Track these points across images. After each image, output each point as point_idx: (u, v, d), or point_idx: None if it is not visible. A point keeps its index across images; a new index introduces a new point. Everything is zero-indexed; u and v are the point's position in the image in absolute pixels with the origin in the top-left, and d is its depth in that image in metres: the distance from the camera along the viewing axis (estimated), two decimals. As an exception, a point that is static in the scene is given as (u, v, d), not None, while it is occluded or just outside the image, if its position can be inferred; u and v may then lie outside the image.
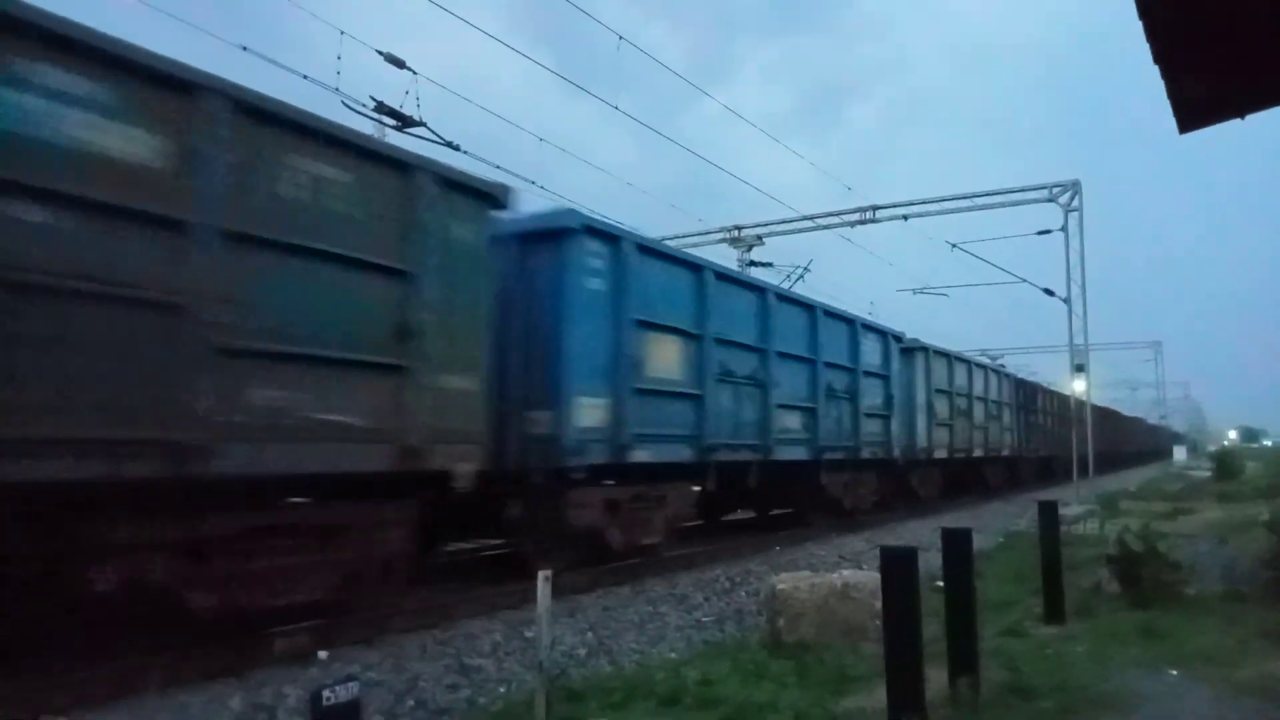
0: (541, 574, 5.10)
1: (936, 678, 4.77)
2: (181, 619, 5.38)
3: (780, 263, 24.29)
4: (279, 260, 5.57)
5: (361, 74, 12.50)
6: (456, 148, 12.18)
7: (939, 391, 18.26)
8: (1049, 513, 7.76)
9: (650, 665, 6.22)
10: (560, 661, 5.89)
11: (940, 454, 18.22)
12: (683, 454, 9.73)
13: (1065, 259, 21.29)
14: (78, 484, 4.63)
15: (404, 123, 12.02)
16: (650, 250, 9.49)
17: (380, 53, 11.78)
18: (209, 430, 5.09)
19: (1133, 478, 35.40)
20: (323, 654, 5.82)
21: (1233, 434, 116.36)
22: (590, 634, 6.98)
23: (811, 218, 23.80)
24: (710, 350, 10.16)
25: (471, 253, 7.00)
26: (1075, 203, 21.23)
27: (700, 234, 24.91)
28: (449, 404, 6.68)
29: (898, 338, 16.24)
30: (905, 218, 22.46)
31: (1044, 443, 28.73)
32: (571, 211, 8.71)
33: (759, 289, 11.81)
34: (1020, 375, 29.25)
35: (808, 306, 13.09)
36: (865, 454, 14.40)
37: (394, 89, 12.97)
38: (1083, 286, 21.49)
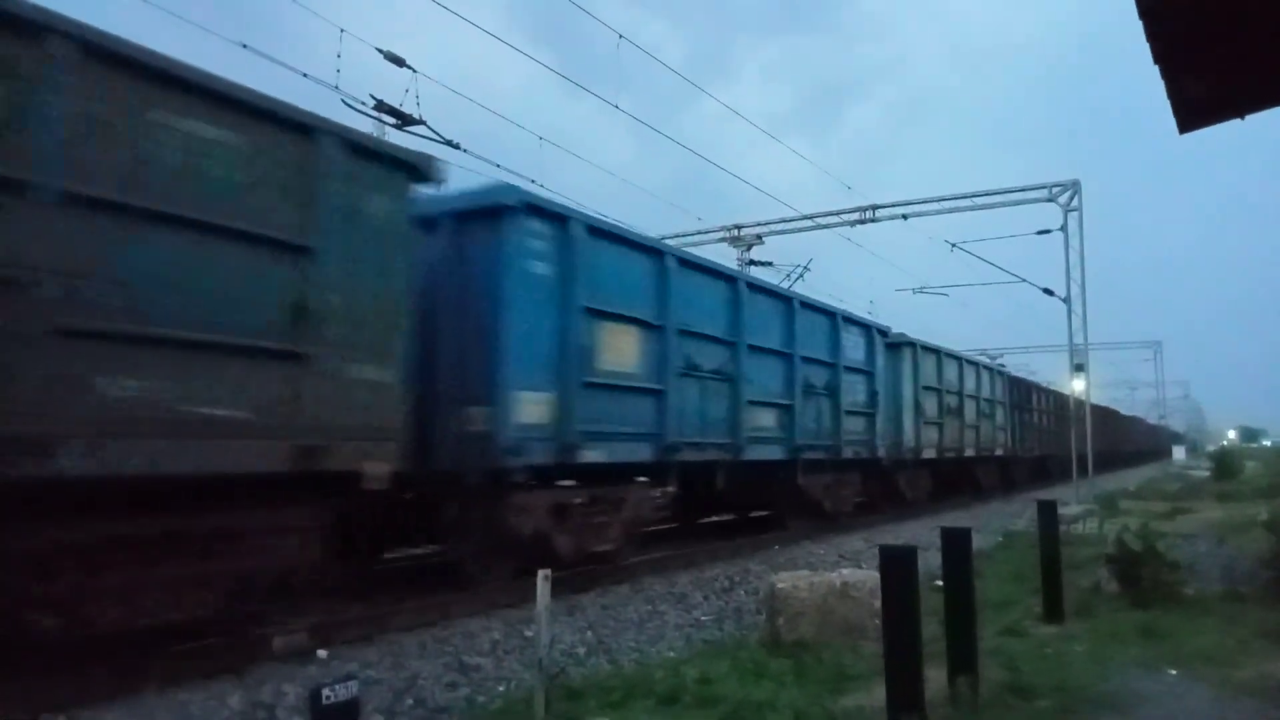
0: (541, 573, 5.11)
1: (936, 677, 4.77)
2: (31, 642, 4.76)
3: (780, 262, 24.33)
4: (139, 229, 4.84)
5: (361, 72, 12.49)
6: (457, 146, 12.20)
7: (928, 389, 17.74)
8: (1048, 512, 7.76)
9: (649, 664, 6.22)
10: (559, 660, 5.89)
11: (929, 454, 17.68)
12: (641, 453, 9.05)
13: (1065, 259, 21.31)
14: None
15: (404, 121, 12.03)
16: (603, 232, 8.75)
17: (380, 51, 11.78)
18: (44, 424, 4.43)
19: (1132, 477, 35.41)
20: (322, 652, 5.82)
21: (1232, 434, 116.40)
22: (589, 632, 6.98)
23: (811, 217, 23.82)
24: (673, 342, 9.48)
25: (388, 229, 6.30)
26: (1075, 202, 21.25)
27: (700, 233, 24.95)
28: (357, 397, 6.00)
29: (883, 332, 15.67)
30: (905, 217, 22.48)
31: (1039, 442, 28.28)
32: (509, 187, 8.00)
33: (729, 278, 11.10)
34: (1019, 374, 29.24)
35: (784, 298, 12.53)
36: (847, 454, 13.79)
37: (394, 87, 12.95)
38: (1082, 286, 21.52)
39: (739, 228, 25.23)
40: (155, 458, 4.87)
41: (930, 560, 6.10)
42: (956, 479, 20.67)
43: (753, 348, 11.10)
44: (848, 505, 14.51)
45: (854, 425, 14.08)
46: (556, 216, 8.07)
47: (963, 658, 5.00)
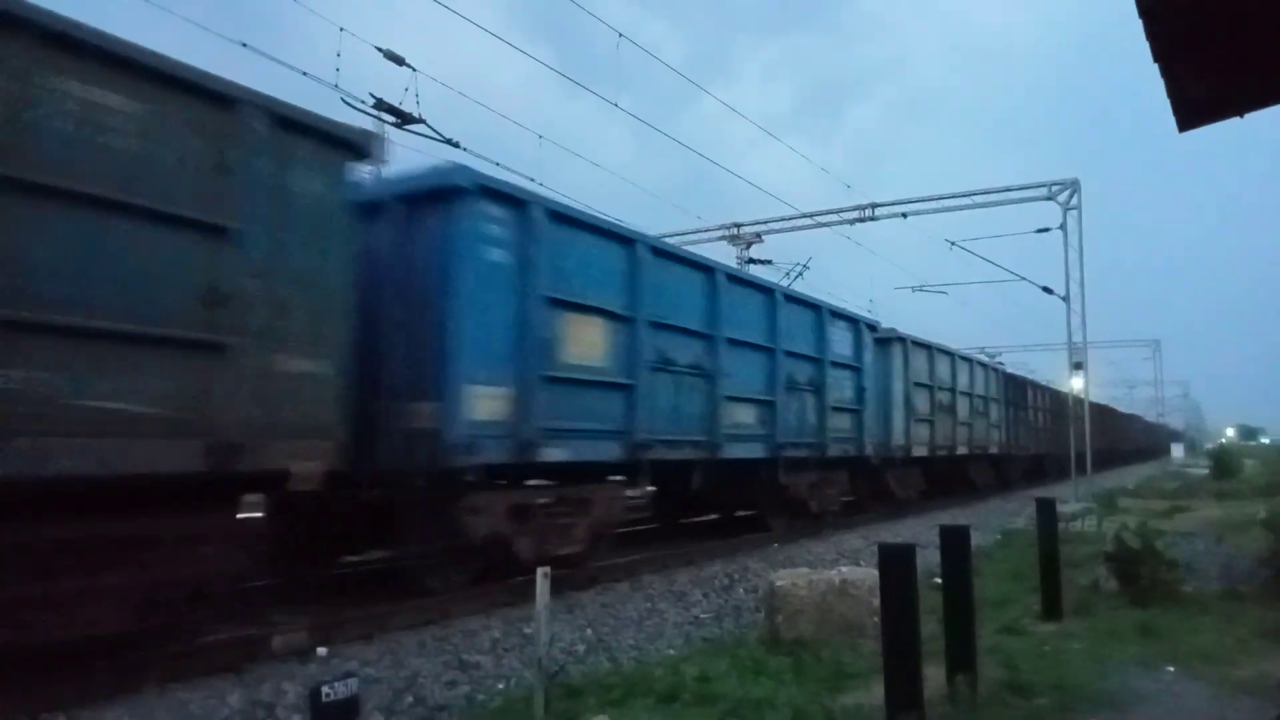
0: (540, 570, 5.12)
1: (934, 675, 4.78)
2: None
3: (780, 261, 24.35)
4: (19, 205, 4.44)
5: (361, 71, 12.49)
6: (456, 145, 12.19)
7: (919, 385, 17.30)
8: (1047, 510, 7.78)
9: (649, 662, 6.22)
10: (559, 658, 5.90)
11: (920, 452, 17.26)
12: (609, 451, 8.59)
13: (1064, 257, 21.31)
14: None
15: (403, 120, 12.02)
16: (567, 218, 8.25)
17: (380, 49, 11.77)
18: None
19: (1130, 475, 35.44)
20: (322, 650, 5.83)
21: (1230, 432, 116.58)
22: (589, 631, 6.99)
23: (811, 215, 23.82)
24: (644, 335, 9.02)
25: (321, 209, 5.84)
26: (1074, 201, 21.25)
27: (699, 231, 24.96)
28: (285, 390, 5.54)
29: (872, 326, 15.20)
30: (904, 215, 22.47)
31: (1035, 440, 27.95)
32: (461, 168, 7.36)
33: (706, 268, 10.57)
34: (1018, 373, 29.21)
35: (765, 290, 12.03)
36: (833, 452, 13.31)
37: (394, 86, 12.96)
38: (1081, 285, 21.51)
39: (738, 226, 25.24)
40: (44, 457, 4.43)
41: (928, 558, 6.11)
42: (949, 478, 20.32)
43: (732, 341, 10.68)
44: (834, 505, 14.06)
45: (840, 422, 13.66)
46: (514, 200, 7.59)
47: (961, 656, 5.01)
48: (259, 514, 5.81)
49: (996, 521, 15.80)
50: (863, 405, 14.37)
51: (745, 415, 11.10)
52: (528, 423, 7.49)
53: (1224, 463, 29.91)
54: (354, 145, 6.17)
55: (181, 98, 5.12)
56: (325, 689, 3.83)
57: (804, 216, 24.00)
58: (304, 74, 11.15)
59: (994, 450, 22.84)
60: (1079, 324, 21.69)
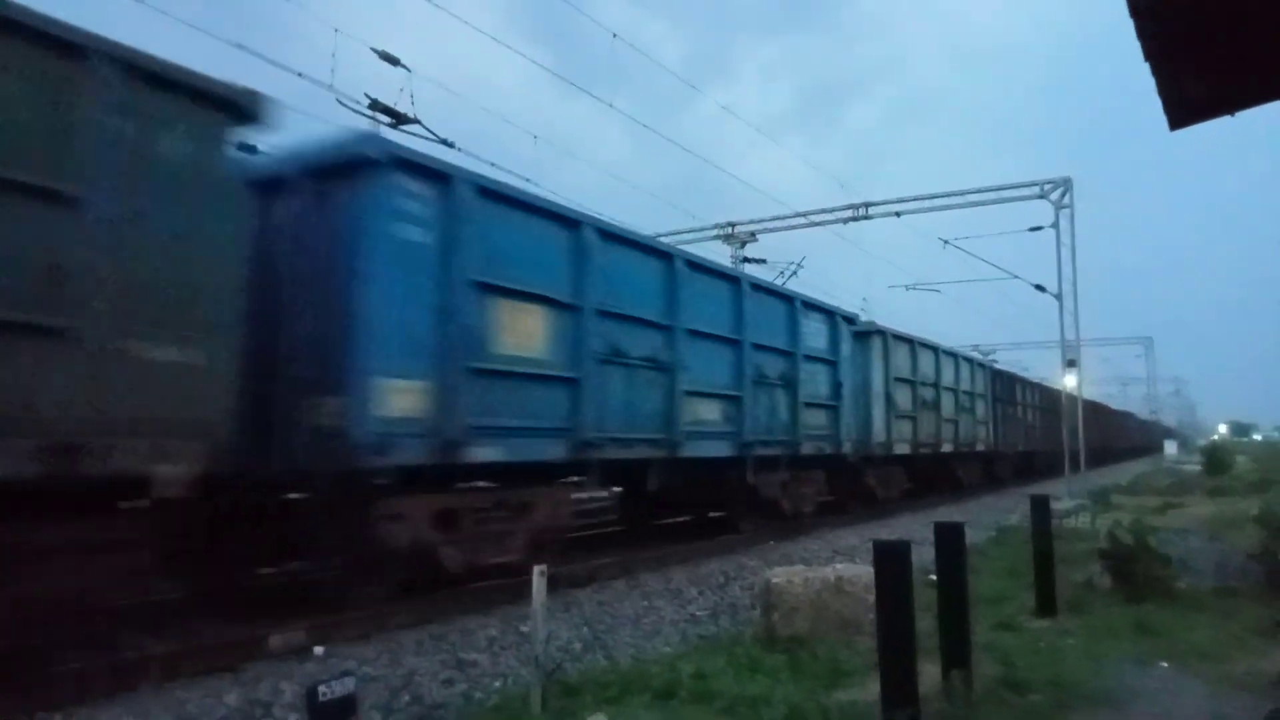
0: (537, 569, 5.12)
1: (929, 671, 4.80)
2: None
3: (774, 260, 24.39)
4: None
5: (356, 72, 12.50)
6: (451, 145, 12.19)
7: (900, 380, 16.63)
8: (1041, 507, 7.80)
9: (645, 659, 6.23)
10: (556, 656, 5.90)
11: (902, 449, 16.63)
12: (550, 451, 7.92)
13: (1057, 255, 21.39)
14: None
15: (399, 120, 12.02)
16: (500, 196, 7.56)
17: (375, 50, 11.78)
18: None
19: (1124, 472, 35.56)
20: (319, 649, 5.83)
21: (1223, 429, 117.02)
22: (585, 628, 7.00)
23: (805, 214, 23.86)
24: (591, 324, 8.38)
25: (195, 177, 5.18)
26: (1066, 199, 21.34)
27: (695, 230, 24.98)
28: (144, 382, 4.86)
29: (849, 319, 14.52)
30: (898, 214, 22.53)
31: (1025, 438, 27.44)
32: (371, 136, 6.79)
33: (664, 255, 9.93)
34: (1009, 369, 29.24)
35: (731, 279, 11.37)
36: (807, 449, 12.66)
37: (389, 86, 12.95)
38: (1074, 283, 21.61)
39: (733, 225, 25.27)
40: None
41: (923, 555, 6.12)
42: (934, 476, 19.83)
43: (693, 333, 10.05)
44: (809, 505, 13.45)
45: (815, 419, 13.01)
46: (436, 174, 6.92)
47: (957, 652, 5.02)
48: (135, 522, 5.12)
49: (988, 519, 15.84)
50: (839, 401, 13.77)
51: (708, 411, 10.51)
52: (452, 419, 6.83)
53: (1217, 460, 30.02)
54: (235, 106, 5.41)
55: (15, 44, 4.45)
56: (322, 688, 3.83)
57: (798, 216, 24.06)
58: (299, 75, 11.15)
59: (981, 448, 22.31)
60: (1072, 322, 21.78)
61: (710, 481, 11.25)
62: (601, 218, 9.14)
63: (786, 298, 12.74)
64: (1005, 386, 25.71)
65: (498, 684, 5.64)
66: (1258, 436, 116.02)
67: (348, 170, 6.52)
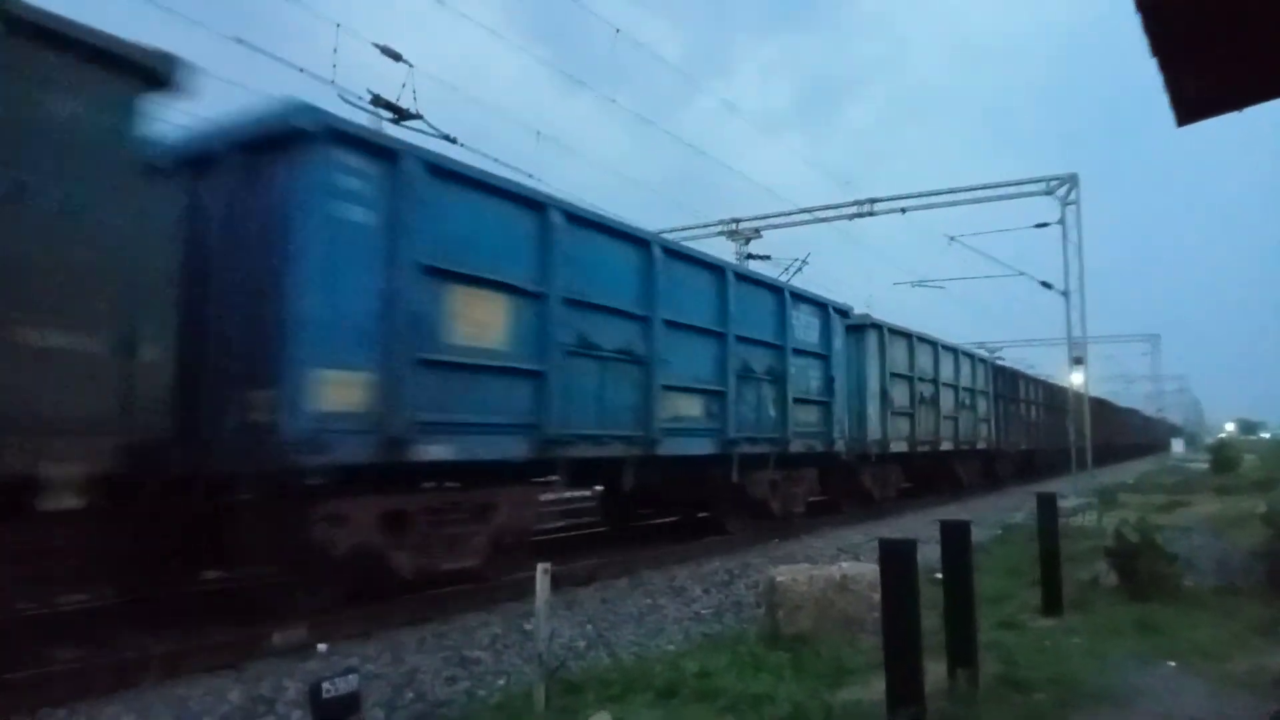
0: (540, 566, 5.11)
1: (934, 670, 4.78)
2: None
3: (779, 256, 24.32)
4: None
5: (358, 67, 12.49)
6: (453, 140, 12.18)
7: (896, 376, 16.18)
8: (1047, 505, 7.78)
9: (649, 657, 6.23)
10: (559, 654, 5.90)
11: (899, 447, 16.20)
12: (511, 449, 7.43)
13: (1063, 253, 21.32)
14: None
15: (400, 116, 12.02)
16: (455, 175, 7.07)
17: (377, 46, 11.77)
18: None
19: (1130, 470, 35.46)
20: (322, 647, 5.83)
21: (1230, 426, 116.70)
22: (589, 626, 6.99)
23: (810, 211, 23.81)
24: (558, 314, 7.91)
25: (92, 146, 4.71)
26: (1073, 196, 21.26)
27: (697, 227, 24.94)
28: (23, 373, 4.39)
29: (843, 312, 13.91)
30: (903, 211, 22.46)
31: (1027, 435, 26.83)
32: (307, 107, 6.03)
33: (640, 241, 9.33)
34: (1018, 368, 29.13)
35: (714, 268, 10.76)
36: (797, 447, 12.14)
37: (390, 82, 12.93)
38: (1080, 280, 21.52)
39: (737, 222, 25.23)
40: None
41: (927, 554, 6.10)
42: (934, 475, 19.37)
43: (671, 324, 9.56)
44: (799, 505, 12.92)
45: (806, 415, 12.49)
46: (382, 151, 6.46)
47: (962, 651, 5.01)
48: (44, 529, 4.73)
49: (993, 517, 15.80)
50: (832, 397, 13.21)
51: (689, 407, 10.01)
52: (399, 415, 6.35)
53: (1223, 458, 29.92)
54: (145, 70, 4.91)
55: None
56: (326, 685, 3.83)
57: (803, 212, 24.00)
58: (300, 70, 11.14)
59: (983, 446, 21.81)
60: (1078, 319, 21.71)
61: (693, 481, 10.85)
62: (586, 204, 8.96)
63: (775, 288, 12.28)
64: (1008, 383, 25.26)
65: (500, 682, 5.64)
66: (1266, 435, 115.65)
67: (281, 144, 6.02)
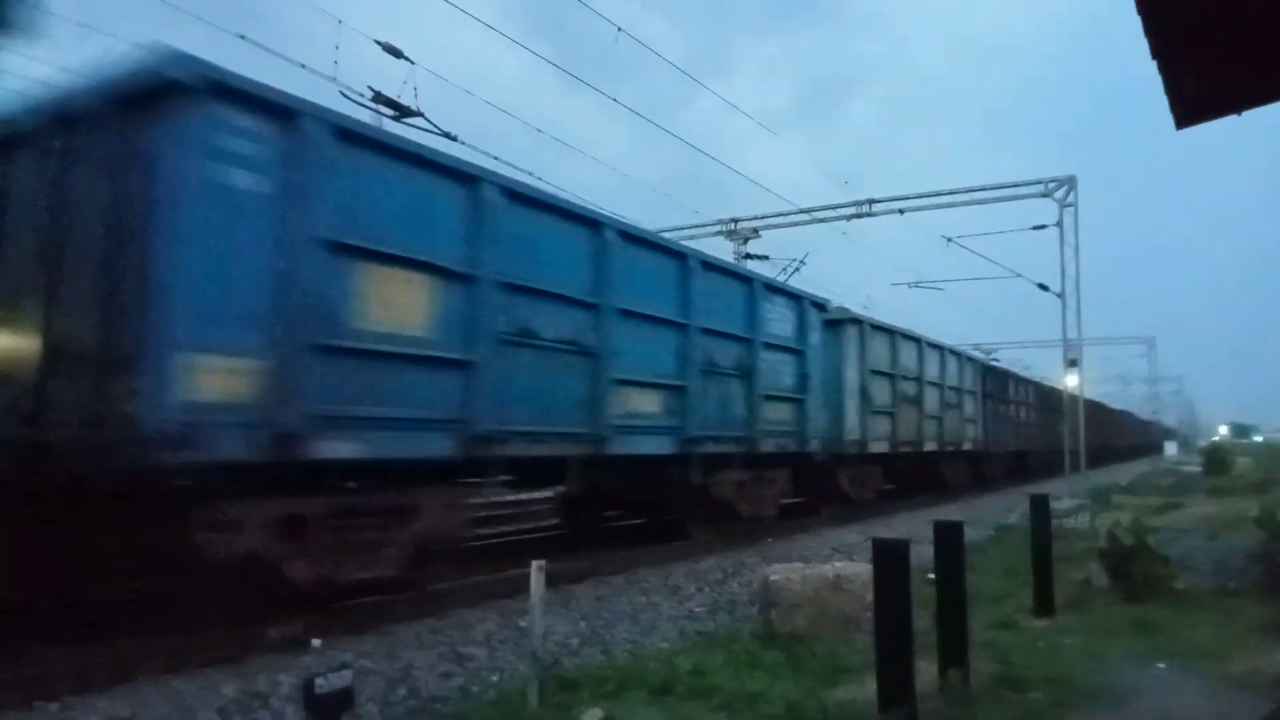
0: (535, 563, 5.12)
1: (927, 669, 4.80)
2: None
3: (777, 256, 24.33)
4: None
5: (359, 64, 12.48)
6: (454, 138, 12.17)
7: (877, 373, 15.45)
8: (1041, 506, 7.80)
9: (643, 655, 6.24)
10: (553, 651, 5.91)
11: (879, 448, 15.52)
12: (433, 445, 6.65)
13: (1060, 254, 21.35)
14: None
15: (401, 113, 12.01)
16: (369, 140, 6.35)
17: (378, 42, 11.76)
18: None
19: (1124, 472, 35.53)
20: (316, 642, 5.82)
21: (1224, 429, 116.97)
22: (583, 623, 7.00)
23: (808, 211, 23.82)
24: (492, 299, 7.11)
25: None
26: (1070, 198, 21.28)
27: (697, 225, 24.93)
28: None
29: (819, 305, 13.08)
30: (901, 212, 22.48)
31: (1017, 437, 26.25)
32: (183, 57, 5.17)
33: (591, 223, 8.55)
34: (1009, 367, 29.12)
35: (676, 255, 9.97)
36: (767, 447, 11.38)
37: (392, 79, 12.93)
38: (1077, 282, 21.56)
39: (735, 221, 25.23)
40: None
41: (921, 554, 6.11)
42: (917, 476, 18.69)
43: (626, 313, 8.77)
44: (770, 507, 12.12)
45: (777, 413, 11.66)
46: (278, 109, 5.63)
47: (954, 650, 5.03)
48: None
49: (987, 518, 15.82)
50: (806, 394, 12.38)
51: (645, 403, 9.21)
52: (292, 407, 5.54)
53: (1217, 460, 30.00)
54: None
55: None
56: (319, 680, 3.84)
57: (801, 212, 24.01)
58: (302, 66, 11.12)
59: (970, 447, 21.09)
60: (1074, 321, 21.75)
61: (650, 481, 10.13)
62: (587, 198, 8.81)
63: (744, 279, 11.53)
64: (997, 383, 24.68)
65: (495, 678, 5.64)
66: (1259, 438, 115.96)
67: (153, 99, 5.23)
